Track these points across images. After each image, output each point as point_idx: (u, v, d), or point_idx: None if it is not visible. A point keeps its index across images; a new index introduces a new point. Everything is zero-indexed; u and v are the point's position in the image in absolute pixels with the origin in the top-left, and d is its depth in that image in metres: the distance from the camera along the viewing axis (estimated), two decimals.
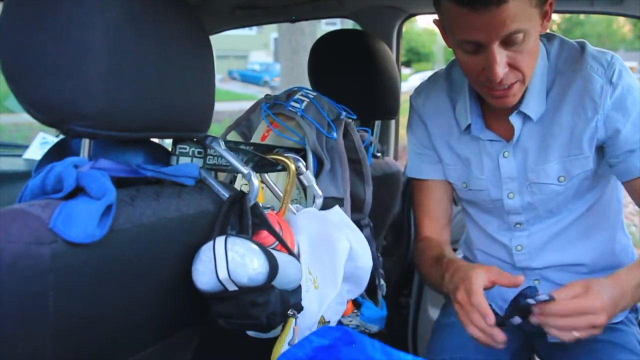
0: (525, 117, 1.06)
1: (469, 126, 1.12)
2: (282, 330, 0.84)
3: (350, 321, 1.09)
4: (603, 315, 0.85)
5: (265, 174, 0.98)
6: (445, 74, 1.19)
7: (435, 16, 1.02)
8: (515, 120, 1.06)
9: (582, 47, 1.06)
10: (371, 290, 1.10)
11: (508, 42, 0.92)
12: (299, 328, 0.87)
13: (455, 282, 0.94)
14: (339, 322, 1.02)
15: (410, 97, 1.24)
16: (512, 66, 0.95)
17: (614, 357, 1.02)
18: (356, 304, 1.09)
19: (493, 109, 1.09)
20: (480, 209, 1.21)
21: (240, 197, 0.78)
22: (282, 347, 0.83)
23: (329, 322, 0.96)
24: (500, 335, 0.88)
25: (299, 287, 0.82)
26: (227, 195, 0.79)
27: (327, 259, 0.91)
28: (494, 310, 0.90)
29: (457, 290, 0.92)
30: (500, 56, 0.92)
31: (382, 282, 1.19)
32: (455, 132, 1.16)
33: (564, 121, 1.05)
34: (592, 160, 1.05)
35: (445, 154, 1.18)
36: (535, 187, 1.10)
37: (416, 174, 1.23)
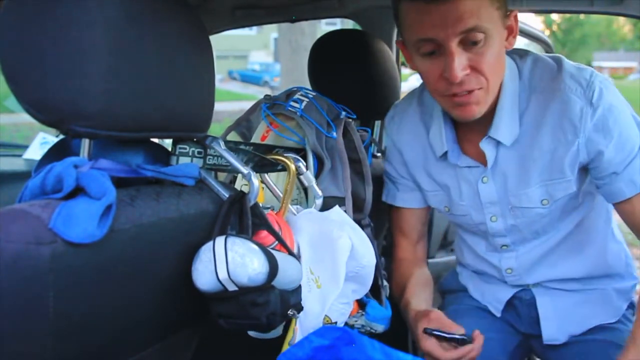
0: (499, 143, 1.02)
1: (445, 153, 1.08)
2: (286, 331, 0.84)
3: (356, 321, 1.08)
4: None
5: (265, 174, 0.98)
6: (417, 95, 1.15)
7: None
8: (485, 146, 1.02)
9: (559, 63, 1.01)
10: (375, 291, 1.10)
11: (467, 42, 0.89)
12: (303, 328, 0.87)
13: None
14: (345, 323, 1.02)
15: (385, 120, 1.21)
16: (474, 69, 0.91)
17: (610, 357, 1.02)
18: (361, 303, 1.08)
19: (468, 133, 1.06)
20: (466, 230, 1.20)
21: (240, 197, 0.78)
22: (286, 349, 0.83)
23: (335, 323, 0.96)
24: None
25: (299, 287, 0.82)
26: (227, 195, 0.79)
27: (329, 257, 0.91)
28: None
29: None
30: (460, 56, 0.89)
31: (385, 282, 1.19)
32: (431, 159, 1.12)
33: (543, 144, 1.00)
34: (575, 183, 1.02)
35: (424, 180, 1.15)
36: (518, 211, 1.07)
37: (392, 201, 1.21)
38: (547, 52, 2.17)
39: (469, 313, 1.24)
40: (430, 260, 1.71)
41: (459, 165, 1.09)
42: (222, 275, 0.68)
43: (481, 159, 1.06)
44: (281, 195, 0.96)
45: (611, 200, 1.02)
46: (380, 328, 1.11)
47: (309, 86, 1.27)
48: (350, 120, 1.15)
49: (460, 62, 0.89)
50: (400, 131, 1.16)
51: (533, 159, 1.02)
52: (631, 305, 1.20)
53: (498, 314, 1.23)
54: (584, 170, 1.03)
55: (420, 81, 1.06)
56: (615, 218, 1.15)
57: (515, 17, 0.96)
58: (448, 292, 1.36)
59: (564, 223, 1.10)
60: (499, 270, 1.18)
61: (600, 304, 1.14)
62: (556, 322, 1.16)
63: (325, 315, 0.94)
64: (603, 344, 1.10)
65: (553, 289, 1.16)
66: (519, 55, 1.05)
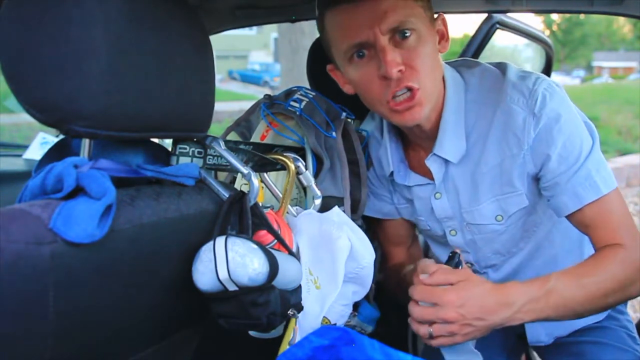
0: (446, 160, 0.99)
1: (391, 173, 1.07)
2: (285, 331, 0.84)
3: (349, 322, 1.08)
4: (452, 311, 0.80)
5: (265, 174, 0.98)
6: None
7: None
8: (431, 164, 1.00)
9: (503, 72, 0.97)
10: None
11: (398, 39, 0.88)
12: (301, 329, 0.87)
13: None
14: None
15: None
16: (408, 65, 0.88)
17: (602, 358, 1.02)
18: (354, 304, 1.09)
19: (415, 150, 1.05)
20: (435, 242, 1.18)
21: (240, 197, 0.78)
22: (285, 348, 0.83)
23: (335, 324, 0.96)
24: None
25: (299, 286, 0.82)
26: (227, 195, 0.79)
27: (328, 258, 0.91)
28: None
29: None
30: (393, 52, 0.87)
31: (372, 285, 1.19)
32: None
33: (490, 159, 0.97)
34: (528, 197, 0.99)
35: (392, 192, 1.14)
36: (474, 228, 1.05)
37: (372, 213, 1.16)
38: (547, 52, 2.16)
39: None
40: None
41: (407, 185, 1.08)
42: (223, 275, 0.68)
43: (431, 176, 1.04)
44: (280, 194, 0.96)
45: (559, 214, 0.96)
46: (369, 329, 1.12)
47: (308, 86, 1.27)
48: (350, 120, 1.15)
49: (393, 57, 0.87)
50: (371, 142, 1.15)
51: (482, 173, 0.99)
52: None
53: None
54: (538, 182, 0.98)
55: None
56: None
57: (444, 20, 0.94)
58: None
59: (529, 243, 1.07)
60: None
61: None
62: (541, 325, 1.16)
63: (325, 317, 0.94)
64: (594, 345, 1.10)
65: None
66: (466, 66, 1.01)
